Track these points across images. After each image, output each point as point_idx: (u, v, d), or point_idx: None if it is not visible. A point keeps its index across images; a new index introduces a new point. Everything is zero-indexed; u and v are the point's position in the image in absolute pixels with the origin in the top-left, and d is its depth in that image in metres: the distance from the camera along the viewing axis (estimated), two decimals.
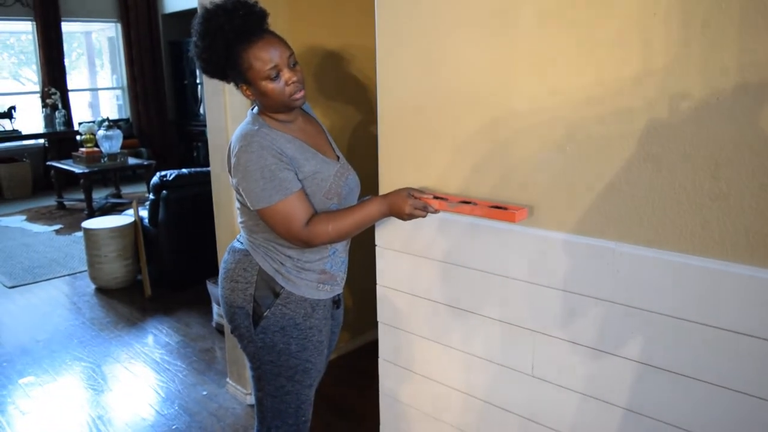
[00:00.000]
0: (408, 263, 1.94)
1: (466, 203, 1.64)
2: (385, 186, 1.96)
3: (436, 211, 1.67)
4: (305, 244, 1.68)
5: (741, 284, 1.27)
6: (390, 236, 1.98)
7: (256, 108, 1.75)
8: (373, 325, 2.14)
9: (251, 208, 1.67)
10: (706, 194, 1.30)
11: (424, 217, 1.67)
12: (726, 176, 1.26)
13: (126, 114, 9.58)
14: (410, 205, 1.65)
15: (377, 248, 2.03)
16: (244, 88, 1.68)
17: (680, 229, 1.35)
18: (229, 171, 1.71)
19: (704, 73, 1.26)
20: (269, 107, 1.69)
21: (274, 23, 1.72)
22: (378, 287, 2.06)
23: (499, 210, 1.57)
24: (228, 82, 1.71)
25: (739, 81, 1.22)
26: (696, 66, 1.26)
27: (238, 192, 1.71)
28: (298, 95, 1.67)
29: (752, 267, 1.26)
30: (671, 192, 1.34)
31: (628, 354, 1.47)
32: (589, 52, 1.41)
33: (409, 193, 1.67)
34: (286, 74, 1.64)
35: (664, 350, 1.41)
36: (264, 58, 1.60)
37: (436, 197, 1.67)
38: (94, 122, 7.43)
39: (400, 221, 1.89)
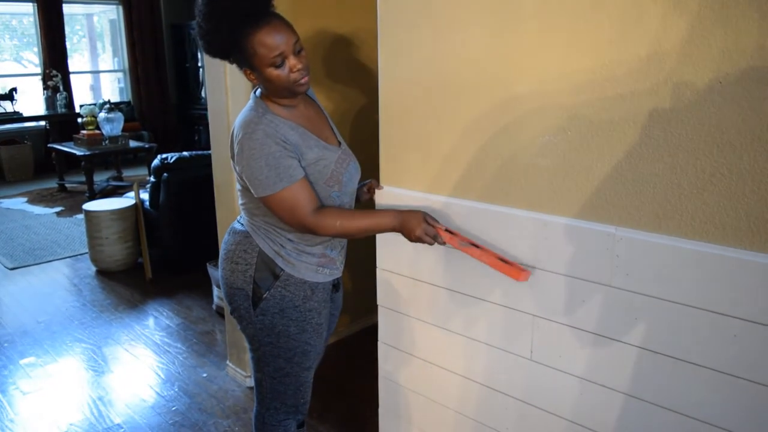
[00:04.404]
0: (408, 247, 1.93)
1: (475, 246, 1.66)
2: (387, 171, 1.96)
3: (443, 243, 1.67)
4: (309, 231, 1.68)
5: (741, 269, 1.27)
6: None
7: (258, 90, 1.74)
8: (373, 309, 2.15)
9: (255, 195, 1.66)
10: (707, 178, 1.29)
11: (431, 244, 1.68)
12: (727, 160, 1.26)
13: (127, 97, 9.56)
14: (422, 229, 1.64)
15: None
16: (248, 72, 1.67)
17: (681, 214, 1.34)
18: (232, 157, 1.70)
19: (707, 57, 1.25)
20: (272, 92, 1.68)
21: (280, 4, 1.70)
22: (378, 271, 2.07)
23: (506, 264, 1.61)
24: (231, 62, 1.70)
25: (743, 65, 1.21)
26: (699, 50, 1.25)
27: (240, 176, 1.70)
28: (302, 80, 1.66)
29: (752, 252, 1.26)
30: (672, 176, 1.34)
31: (628, 339, 1.47)
32: (593, 36, 1.40)
33: (424, 217, 1.66)
34: (291, 61, 1.62)
35: (663, 335, 1.41)
36: (270, 44, 1.58)
37: (447, 230, 1.68)
38: (95, 105, 7.42)
39: (404, 208, 1.89)
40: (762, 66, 1.19)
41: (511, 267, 1.60)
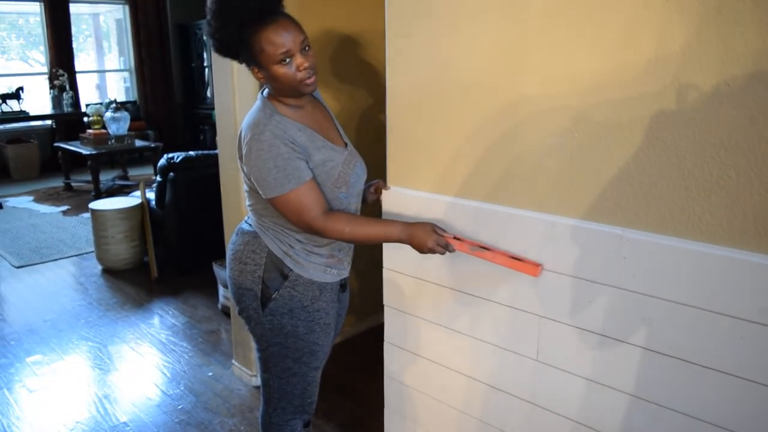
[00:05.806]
0: None
1: (485, 249, 1.66)
2: (393, 171, 1.97)
3: (453, 251, 1.67)
4: (316, 233, 1.68)
5: (748, 271, 1.27)
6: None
7: (266, 90, 1.74)
8: (379, 309, 2.15)
9: (263, 197, 1.67)
10: (714, 181, 1.29)
11: (442, 254, 1.67)
12: (735, 163, 1.26)
13: (133, 96, 9.59)
14: (434, 240, 1.64)
15: None
16: (255, 70, 1.67)
17: (688, 215, 1.35)
18: (240, 158, 1.71)
19: (714, 60, 1.25)
20: (279, 91, 1.69)
21: (288, 4, 1.71)
22: (384, 270, 2.07)
23: (520, 261, 1.62)
24: (240, 62, 1.70)
25: (750, 67, 1.21)
26: (707, 52, 1.26)
27: (248, 178, 1.71)
28: (309, 81, 1.65)
29: (759, 254, 1.26)
30: (680, 178, 1.34)
31: (635, 340, 1.47)
32: (600, 38, 1.40)
33: (433, 228, 1.66)
34: (298, 59, 1.62)
35: (670, 336, 1.41)
36: (276, 42, 1.58)
37: (455, 238, 1.68)
38: (101, 104, 7.44)
39: (407, 210, 1.90)
40: None
41: (524, 264, 1.61)
